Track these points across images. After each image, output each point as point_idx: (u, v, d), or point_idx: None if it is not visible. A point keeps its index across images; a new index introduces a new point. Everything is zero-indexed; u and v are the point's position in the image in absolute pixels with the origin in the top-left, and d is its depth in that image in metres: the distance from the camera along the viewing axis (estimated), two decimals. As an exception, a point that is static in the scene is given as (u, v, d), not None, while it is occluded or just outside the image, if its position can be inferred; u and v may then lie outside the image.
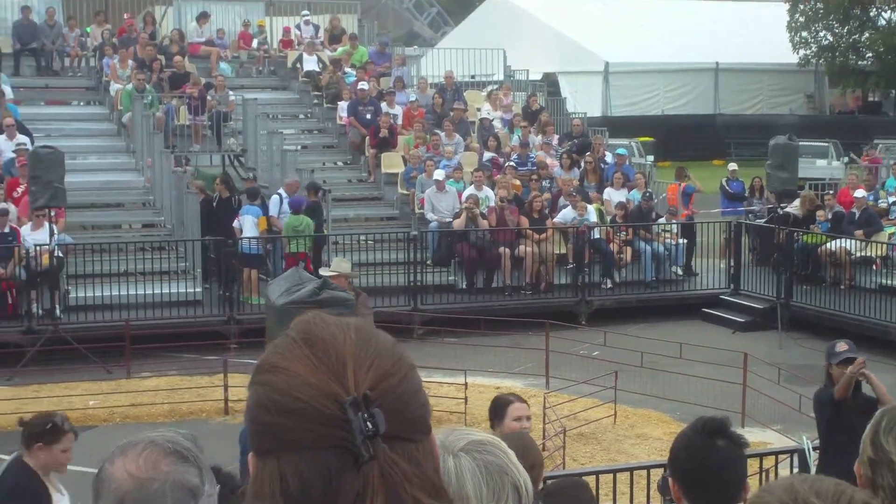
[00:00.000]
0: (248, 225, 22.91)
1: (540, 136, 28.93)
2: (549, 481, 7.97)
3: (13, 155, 23.72)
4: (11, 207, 22.04)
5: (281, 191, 23.90)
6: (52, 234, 20.51)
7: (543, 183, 26.04)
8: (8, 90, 27.13)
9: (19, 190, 22.57)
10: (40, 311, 20.92)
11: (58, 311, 20.67)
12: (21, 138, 24.34)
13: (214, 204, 23.67)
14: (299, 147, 28.58)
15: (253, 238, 22.65)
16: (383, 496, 1.72)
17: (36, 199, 20.27)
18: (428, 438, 1.84)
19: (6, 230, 21.16)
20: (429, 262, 23.85)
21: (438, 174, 25.04)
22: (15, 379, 18.81)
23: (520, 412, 7.54)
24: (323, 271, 16.67)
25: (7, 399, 17.68)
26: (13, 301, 20.94)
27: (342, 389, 1.74)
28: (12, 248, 20.92)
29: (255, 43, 32.77)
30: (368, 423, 1.72)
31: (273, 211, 23.38)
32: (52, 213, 20.59)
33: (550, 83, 40.21)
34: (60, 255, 21.01)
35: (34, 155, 20.65)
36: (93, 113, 30.01)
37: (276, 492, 1.75)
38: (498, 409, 7.56)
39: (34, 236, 21.11)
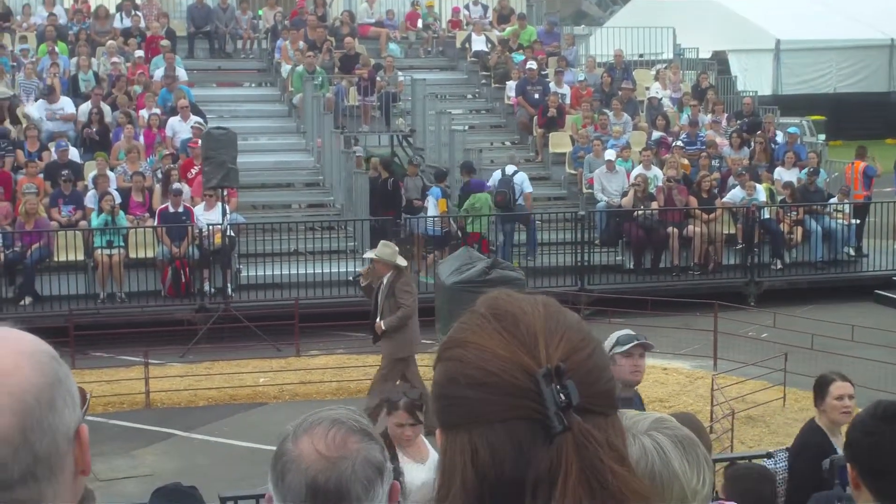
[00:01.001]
0: (431, 205, 23.17)
1: (709, 115, 28.52)
2: (737, 463, 7.89)
3: (188, 136, 24.22)
4: (185, 187, 22.52)
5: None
6: (224, 213, 20.90)
7: (713, 162, 25.67)
8: (182, 72, 27.68)
9: (193, 171, 23.02)
10: (212, 290, 21.37)
11: (229, 290, 21.08)
12: (195, 119, 24.83)
13: (388, 186, 24.00)
14: (467, 127, 28.64)
15: (430, 217, 22.92)
16: (577, 467, 1.73)
17: (209, 179, 20.65)
18: (615, 414, 1.84)
19: (180, 209, 21.62)
20: (596, 241, 23.70)
21: (609, 154, 24.85)
22: (188, 356, 19.22)
23: (842, 391, 7.81)
24: (366, 255, 16.81)
25: (180, 375, 18.10)
26: (186, 279, 21.41)
27: (534, 362, 1.76)
28: (186, 227, 21.38)
29: (419, 23, 32.88)
30: (561, 394, 1.73)
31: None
32: (225, 193, 20.98)
33: (720, 61, 39.53)
34: (232, 234, 21.41)
35: (208, 136, 21.04)
36: (264, 94, 30.48)
37: (468, 464, 1.76)
38: (821, 387, 7.92)
39: (207, 216, 21.54)
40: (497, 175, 24.12)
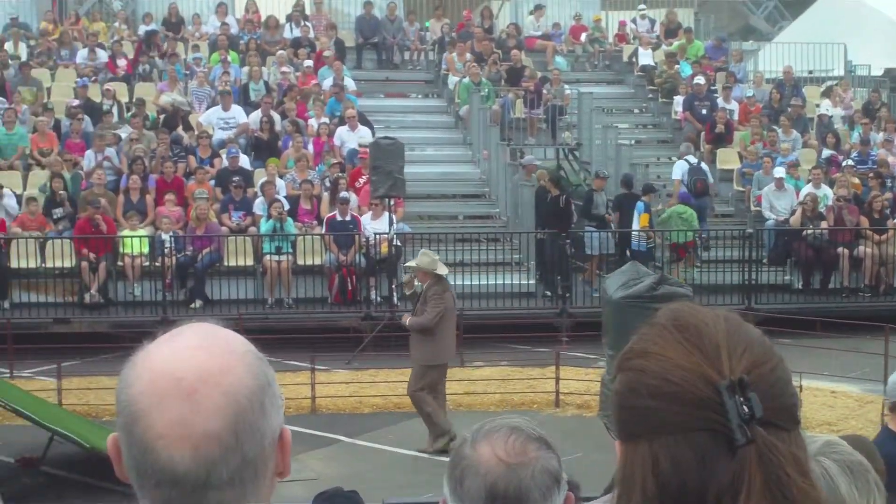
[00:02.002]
0: (635, 220, 23.02)
1: (881, 134, 27.87)
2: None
3: (356, 145, 24.47)
4: (353, 196, 22.75)
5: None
6: (391, 223, 21.07)
7: (885, 182, 25.08)
8: (350, 83, 27.99)
9: (361, 180, 23.24)
10: (378, 298, 21.53)
11: (395, 299, 21.20)
12: (363, 129, 25.08)
13: (560, 203, 23.86)
14: (633, 141, 28.44)
15: (636, 232, 22.81)
16: (760, 480, 1.71)
17: (376, 188, 20.83)
18: (798, 430, 1.81)
19: (347, 218, 21.84)
20: (764, 260, 23.34)
21: (778, 171, 24.45)
22: (353, 363, 19.36)
23: None
24: (407, 264, 16.93)
25: (345, 382, 18.24)
26: (353, 287, 21.61)
27: (717, 373, 1.74)
28: (353, 235, 21.59)
29: (583, 37, 32.75)
30: (745, 406, 1.72)
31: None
32: (392, 203, 21.15)
33: (893, 79, 38.69)
34: (398, 243, 21.54)
35: (376, 146, 21.23)
36: (431, 105, 30.67)
37: (648, 475, 1.75)
38: None
39: (374, 225, 21.72)
40: (683, 165, 24.23)
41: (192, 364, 1.86)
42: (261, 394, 1.88)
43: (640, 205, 23.16)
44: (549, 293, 22.55)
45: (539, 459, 2.74)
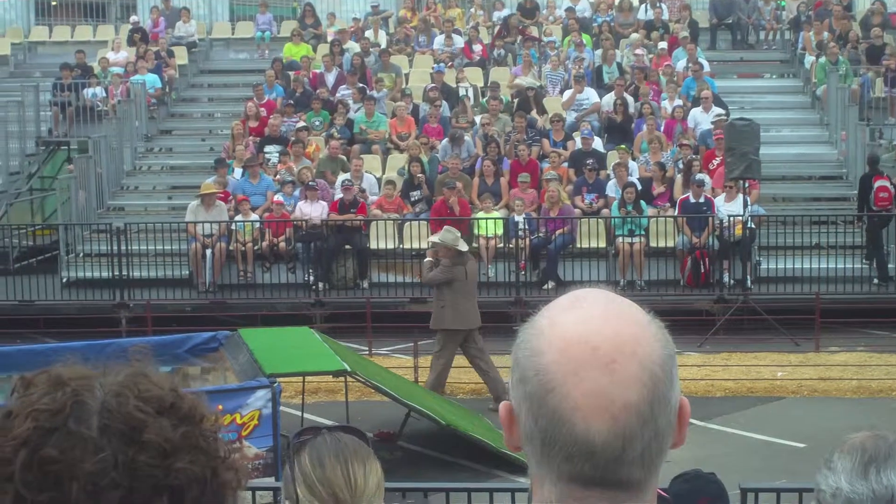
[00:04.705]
0: None
1: None
2: None
3: (710, 127, 24.20)
4: (707, 178, 22.52)
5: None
6: (745, 205, 20.74)
7: None
8: (704, 63, 27.69)
9: (715, 162, 22.98)
10: (731, 281, 21.26)
11: (748, 282, 20.89)
12: (717, 110, 24.78)
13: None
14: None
15: None
16: None
17: (731, 170, 20.55)
18: None
19: (701, 200, 21.64)
20: None
21: None
22: (705, 346, 19.21)
23: None
24: (431, 239, 17.30)
25: (697, 365, 18.11)
26: (706, 270, 21.41)
27: None
28: (707, 217, 21.38)
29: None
30: None
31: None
32: (746, 185, 20.81)
33: None
34: (753, 226, 21.19)
35: (731, 127, 20.94)
36: (786, 86, 29.98)
37: None
38: None
39: (727, 207, 21.44)
40: None
41: (607, 333, 1.82)
42: (670, 363, 1.85)
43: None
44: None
45: None
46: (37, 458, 1.68)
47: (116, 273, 21.88)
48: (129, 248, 21.99)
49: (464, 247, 16.32)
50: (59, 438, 1.69)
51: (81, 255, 23.34)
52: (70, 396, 1.73)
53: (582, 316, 1.85)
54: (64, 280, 22.73)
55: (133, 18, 32.02)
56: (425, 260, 16.82)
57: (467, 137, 24.29)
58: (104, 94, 27.96)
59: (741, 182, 20.71)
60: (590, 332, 1.82)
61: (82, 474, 1.67)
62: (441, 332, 16.12)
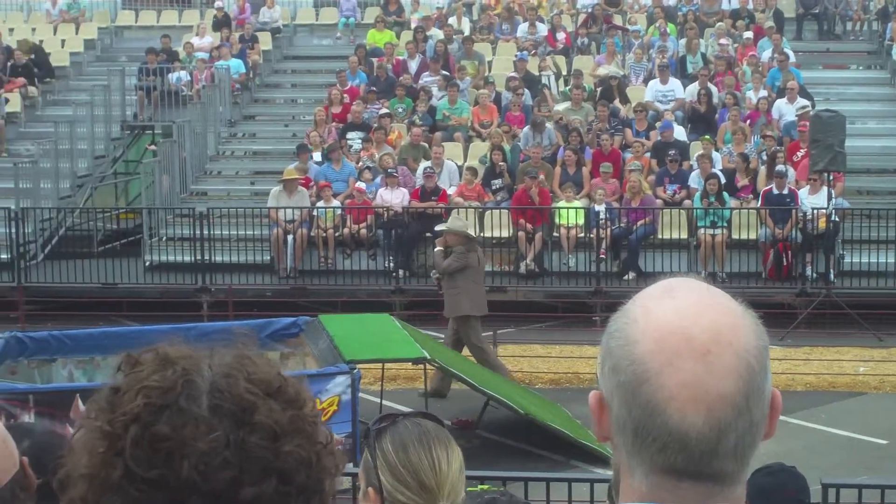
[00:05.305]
0: None
1: None
2: None
3: (794, 118, 23.96)
4: (790, 170, 22.30)
5: None
6: (829, 197, 20.52)
7: None
8: (790, 54, 27.40)
9: (799, 153, 22.75)
10: (814, 275, 21.04)
11: (831, 276, 20.67)
12: (802, 102, 24.52)
13: None
14: None
15: None
16: None
17: (816, 162, 20.33)
18: None
19: (784, 192, 21.43)
20: None
21: None
22: (786, 340, 19.03)
23: None
24: (438, 227, 17.41)
25: (778, 359, 17.90)
26: (788, 263, 21.22)
27: None
28: (790, 210, 21.18)
29: None
30: None
31: None
32: (830, 178, 20.59)
33: None
34: (836, 219, 20.96)
35: (816, 118, 20.71)
36: (872, 77, 29.57)
37: None
38: None
39: (811, 199, 21.23)
40: None
41: (702, 323, 1.80)
42: (765, 354, 1.83)
43: None
44: None
45: None
46: (148, 435, 1.70)
47: (199, 257, 22.09)
48: (212, 232, 22.18)
49: (473, 233, 16.83)
50: (170, 416, 1.71)
51: (164, 238, 23.57)
52: (180, 375, 1.75)
53: (677, 305, 1.83)
54: (147, 264, 22.98)
55: (218, 4, 32.26)
56: (436, 249, 16.99)
57: (548, 125, 24.23)
58: (188, 79, 28.24)
59: (825, 174, 20.50)
60: (685, 321, 1.80)
61: (194, 453, 1.69)
62: (457, 319, 16.24)
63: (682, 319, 1.81)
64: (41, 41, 30.85)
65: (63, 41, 31.73)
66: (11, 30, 31.88)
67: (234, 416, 1.73)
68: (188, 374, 1.76)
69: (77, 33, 32.16)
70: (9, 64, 28.81)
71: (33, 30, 32.25)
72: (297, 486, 1.75)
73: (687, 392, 1.76)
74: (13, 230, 22.35)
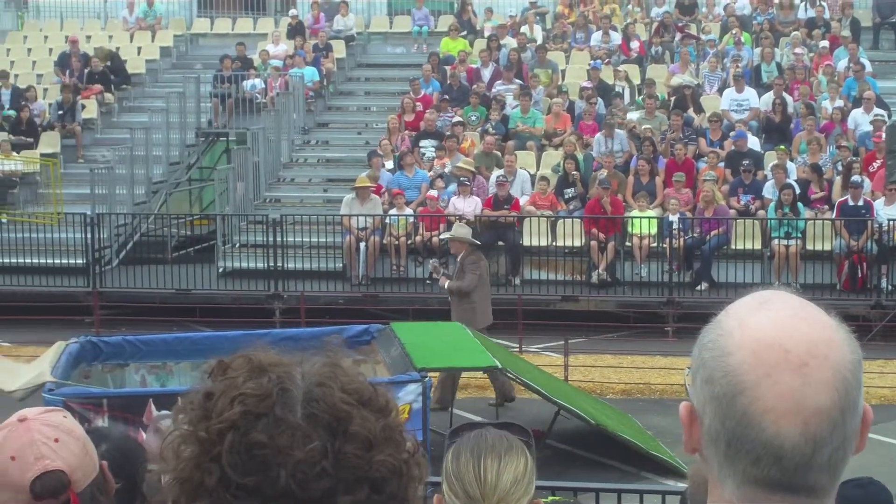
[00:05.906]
0: None
1: None
2: None
3: (870, 128, 23.71)
4: (866, 181, 22.07)
5: None
6: (905, 209, 20.31)
7: None
8: (866, 63, 27.12)
9: (875, 164, 22.50)
10: (889, 287, 20.81)
11: (909, 288, 20.46)
12: (878, 111, 24.25)
13: None
14: None
15: None
16: None
17: (892, 172, 20.14)
18: None
19: (860, 203, 21.21)
20: None
21: None
22: (862, 352, 18.79)
23: None
24: (443, 235, 17.86)
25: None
26: (863, 274, 20.99)
27: None
28: (865, 221, 20.95)
29: None
30: None
31: None
32: (907, 189, 20.37)
33: None
34: (910, 231, 20.73)
35: (892, 129, 20.52)
36: (951, 87, 29.19)
37: None
38: None
39: (887, 211, 21.00)
40: None
41: (798, 336, 1.80)
42: (859, 368, 1.83)
43: None
44: None
45: None
46: (245, 442, 1.73)
47: (271, 264, 22.24)
48: (285, 239, 22.33)
49: (476, 241, 17.03)
50: (266, 424, 1.74)
51: (237, 245, 23.76)
52: (276, 383, 1.77)
53: (772, 318, 1.84)
54: (220, 270, 23.18)
55: (292, 12, 32.45)
56: (431, 261, 17.08)
57: (619, 130, 24.13)
58: (263, 87, 28.45)
59: (904, 186, 20.28)
60: (781, 334, 1.81)
61: (291, 462, 1.72)
62: None
63: (778, 332, 1.81)
64: (118, 48, 31.22)
65: (139, 48, 32.07)
66: (89, 37, 32.25)
67: (329, 425, 1.75)
68: (283, 383, 1.78)
69: (153, 41, 32.49)
70: (86, 71, 29.18)
71: (110, 37, 32.62)
72: (388, 494, 1.77)
73: (784, 404, 1.78)
74: (89, 235, 22.63)
